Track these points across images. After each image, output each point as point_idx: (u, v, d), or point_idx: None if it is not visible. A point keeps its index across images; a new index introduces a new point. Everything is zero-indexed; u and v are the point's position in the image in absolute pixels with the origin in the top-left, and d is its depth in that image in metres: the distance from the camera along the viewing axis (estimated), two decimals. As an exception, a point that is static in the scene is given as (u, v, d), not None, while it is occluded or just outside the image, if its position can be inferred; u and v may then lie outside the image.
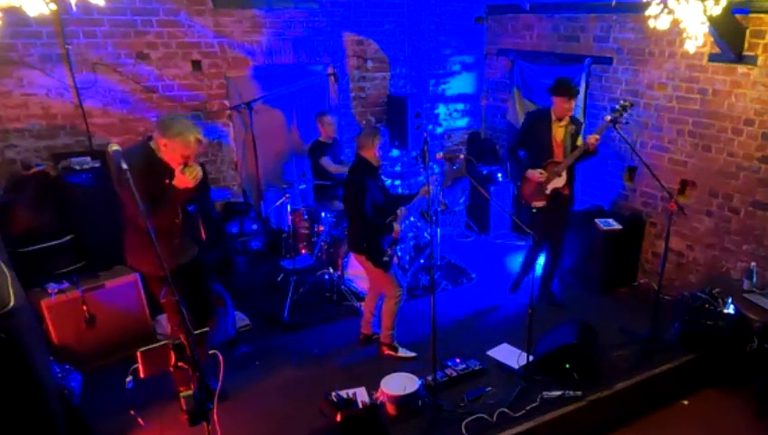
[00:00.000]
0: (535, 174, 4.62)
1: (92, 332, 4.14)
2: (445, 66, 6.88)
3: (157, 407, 3.69)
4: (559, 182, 4.61)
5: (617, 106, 4.22)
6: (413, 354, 4.33)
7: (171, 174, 3.15)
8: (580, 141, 4.53)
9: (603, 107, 5.52)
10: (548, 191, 4.65)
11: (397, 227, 4.15)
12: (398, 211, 4.24)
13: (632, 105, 4.26)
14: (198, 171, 3.18)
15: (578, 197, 4.82)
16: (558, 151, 4.60)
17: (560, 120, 4.56)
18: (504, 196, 6.61)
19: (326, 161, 5.54)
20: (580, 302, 5.14)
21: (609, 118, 4.21)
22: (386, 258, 4.12)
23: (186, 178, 3.12)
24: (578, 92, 4.56)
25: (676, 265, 5.19)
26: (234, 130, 5.81)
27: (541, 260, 5.07)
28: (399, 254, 5.07)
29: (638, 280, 5.52)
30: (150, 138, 3.23)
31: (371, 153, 4.02)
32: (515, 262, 6.00)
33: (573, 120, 4.66)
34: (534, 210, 4.52)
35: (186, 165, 3.14)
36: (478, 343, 4.49)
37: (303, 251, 5.53)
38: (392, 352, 4.34)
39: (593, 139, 4.32)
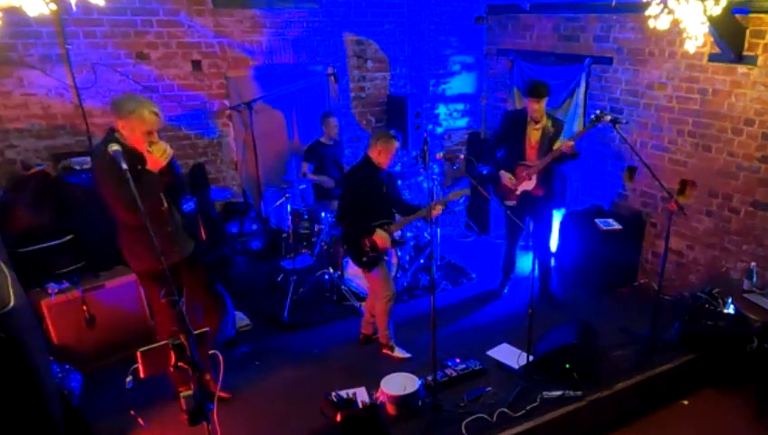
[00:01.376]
0: (505, 178, 4.68)
1: (92, 332, 4.14)
2: (445, 66, 6.88)
3: (157, 407, 3.71)
4: (529, 185, 4.64)
5: (592, 116, 4.23)
6: (408, 356, 4.32)
7: (143, 160, 3.08)
8: (558, 145, 4.51)
9: (603, 107, 5.52)
10: (518, 192, 4.70)
11: (382, 234, 4.04)
12: (397, 222, 4.22)
13: (604, 116, 4.17)
14: (167, 148, 3.09)
15: (578, 197, 4.82)
16: (531, 153, 4.62)
17: (535, 122, 4.55)
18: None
19: (307, 167, 5.57)
20: (580, 302, 5.15)
21: (590, 122, 4.23)
22: (365, 259, 4.09)
23: (155, 158, 3.05)
24: (547, 94, 4.51)
25: (676, 265, 5.19)
26: (234, 130, 5.81)
27: (528, 260, 5.07)
28: (399, 254, 5.07)
29: (638, 280, 5.51)
30: (113, 129, 3.13)
31: (373, 153, 4.03)
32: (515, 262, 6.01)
33: (555, 122, 4.65)
34: (506, 209, 4.60)
35: (151, 143, 3.06)
36: (478, 343, 4.48)
37: (303, 251, 5.53)
38: (389, 352, 4.34)
39: (567, 145, 4.33)
